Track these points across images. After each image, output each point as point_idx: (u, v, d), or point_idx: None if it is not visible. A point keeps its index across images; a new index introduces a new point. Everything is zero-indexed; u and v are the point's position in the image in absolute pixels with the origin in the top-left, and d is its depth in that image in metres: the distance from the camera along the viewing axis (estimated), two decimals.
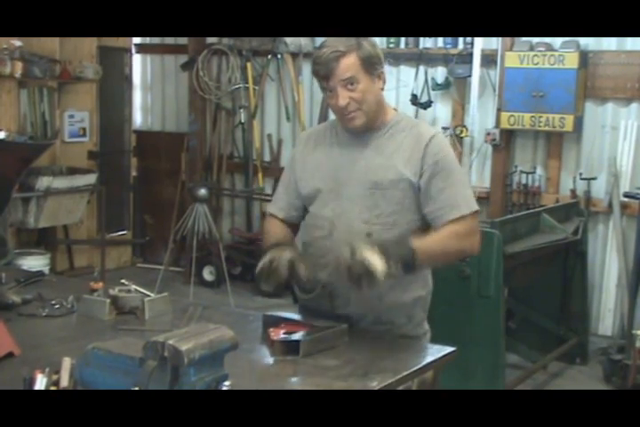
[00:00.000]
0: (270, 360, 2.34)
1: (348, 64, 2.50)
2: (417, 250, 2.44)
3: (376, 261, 2.34)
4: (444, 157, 2.58)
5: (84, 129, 7.18)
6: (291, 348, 2.34)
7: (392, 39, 6.62)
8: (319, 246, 2.66)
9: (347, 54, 2.50)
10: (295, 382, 2.23)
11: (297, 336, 2.39)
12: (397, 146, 2.61)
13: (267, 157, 7.48)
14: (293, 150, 2.88)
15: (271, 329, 2.46)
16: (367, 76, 2.54)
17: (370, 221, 2.58)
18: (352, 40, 2.52)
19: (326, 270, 2.64)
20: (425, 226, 2.62)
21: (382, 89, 2.62)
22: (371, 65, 2.54)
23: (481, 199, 6.28)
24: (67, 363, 2.04)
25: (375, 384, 2.16)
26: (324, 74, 2.53)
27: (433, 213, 2.57)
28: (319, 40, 6.98)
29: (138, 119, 8.32)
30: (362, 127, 2.60)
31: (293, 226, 2.81)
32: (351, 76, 2.51)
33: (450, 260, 2.74)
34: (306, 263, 2.53)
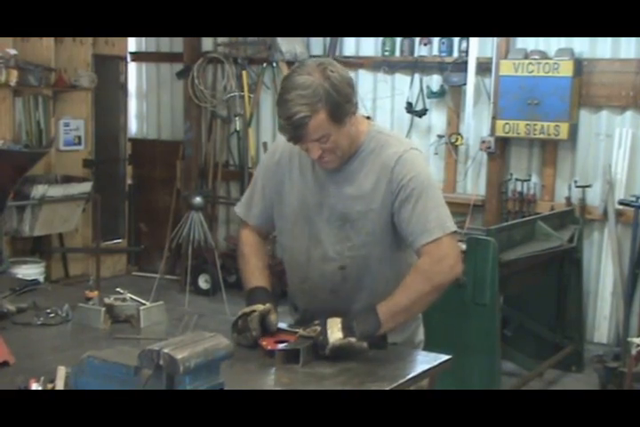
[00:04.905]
0: (266, 369, 2.34)
1: (317, 125, 2.34)
2: (384, 322, 2.39)
3: (334, 334, 2.33)
4: (413, 178, 2.47)
5: (79, 137, 7.17)
6: (291, 356, 2.34)
7: (387, 47, 6.64)
8: (298, 274, 2.67)
9: (314, 115, 2.33)
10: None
11: (293, 345, 2.38)
12: (366, 171, 2.52)
13: None
14: (268, 159, 2.73)
15: (261, 339, 2.46)
16: (338, 126, 2.39)
17: (342, 253, 2.55)
18: (318, 85, 2.32)
19: (305, 297, 2.66)
20: (404, 250, 2.58)
21: (355, 113, 2.47)
22: (339, 113, 2.37)
23: (476, 207, 6.31)
24: (62, 372, 2.03)
25: None
26: (292, 137, 2.40)
27: (408, 238, 2.49)
28: (315, 49, 7.05)
29: (133, 127, 8.32)
30: (337, 168, 2.53)
31: (264, 234, 2.81)
32: (322, 135, 2.38)
33: (428, 303, 2.48)
34: (276, 312, 2.52)
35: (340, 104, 2.37)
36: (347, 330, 2.35)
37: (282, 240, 2.74)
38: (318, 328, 2.37)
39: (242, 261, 2.77)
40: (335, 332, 2.35)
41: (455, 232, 2.50)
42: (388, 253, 2.57)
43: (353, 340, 2.35)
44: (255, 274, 2.70)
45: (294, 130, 2.36)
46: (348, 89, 2.41)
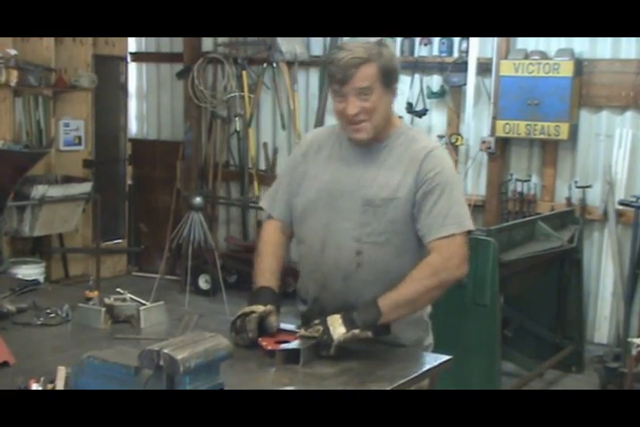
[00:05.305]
0: (266, 369, 2.34)
1: (367, 73, 2.45)
2: (384, 313, 2.40)
3: (337, 330, 2.35)
4: (439, 173, 2.52)
5: (79, 137, 7.17)
6: (291, 356, 2.34)
7: None
8: (311, 262, 2.65)
9: (367, 62, 2.44)
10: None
11: (294, 345, 2.38)
12: (394, 162, 2.56)
13: (262, 166, 7.48)
14: (296, 152, 2.79)
15: (261, 339, 2.45)
16: (382, 88, 2.48)
17: (360, 239, 2.55)
18: (374, 47, 2.46)
19: (317, 286, 2.64)
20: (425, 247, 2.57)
21: (395, 95, 2.58)
22: (388, 77, 2.49)
23: (476, 207, 6.30)
24: (62, 372, 2.03)
25: None
26: (340, 78, 2.46)
27: (422, 229, 2.52)
28: (315, 49, 7.05)
29: (133, 128, 8.32)
30: (367, 141, 2.56)
31: (288, 231, 2.78)
32: (368, 85, 2.46)
33: (432, 298, 2.54)
34: (277, 314, 2.52)
35: (390, 71, 2.50)
36: (348, 322, 2.36)
37: (298, 229, 2.72)
38: (320, 328, 2.37)
39: (257, 259, 2.76)
40: (337, 327, 2.36)
41: (470, 232, 2.56)
42: (408, 246, 2.56)
43: (356, 331, 2.36)
44: (265, 275, 2.68)
45: (345, 69, 2.44)
46: (397, 65, 2.54)
